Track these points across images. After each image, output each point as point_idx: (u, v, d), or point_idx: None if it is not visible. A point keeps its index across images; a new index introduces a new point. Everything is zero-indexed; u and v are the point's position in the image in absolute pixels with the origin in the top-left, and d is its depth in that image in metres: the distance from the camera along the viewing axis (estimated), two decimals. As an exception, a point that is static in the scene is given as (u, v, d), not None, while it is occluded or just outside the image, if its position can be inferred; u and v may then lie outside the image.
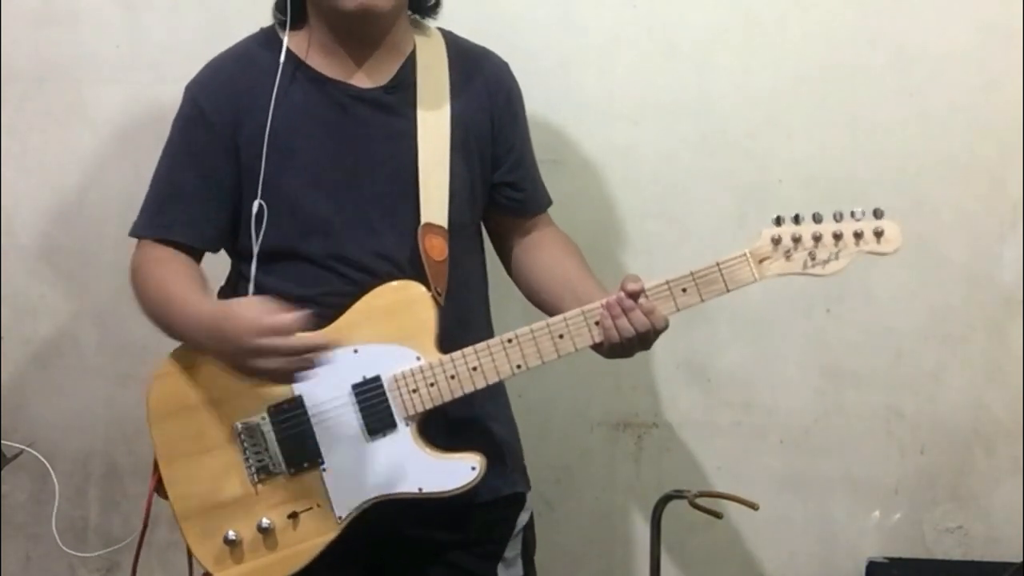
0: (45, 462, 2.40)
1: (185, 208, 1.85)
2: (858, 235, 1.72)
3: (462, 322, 1.84)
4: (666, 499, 2.22)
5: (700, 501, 2.17)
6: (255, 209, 1.81)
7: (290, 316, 1.66)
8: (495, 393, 1.89)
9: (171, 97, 2.42)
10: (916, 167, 2.39)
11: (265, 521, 1.78)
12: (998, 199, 2.41)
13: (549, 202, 2.03)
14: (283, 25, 1.87)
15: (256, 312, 1.68)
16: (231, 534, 1.78)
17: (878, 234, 1.72)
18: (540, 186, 2.02)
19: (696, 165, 2.42)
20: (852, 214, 1.73)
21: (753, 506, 2.19)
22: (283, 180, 1.82)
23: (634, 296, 1.73)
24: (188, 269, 1.85)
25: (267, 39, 1.89)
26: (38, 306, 2.53)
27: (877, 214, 1.73)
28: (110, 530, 2.54)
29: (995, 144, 2.39)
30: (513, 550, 1.94)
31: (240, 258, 1.89)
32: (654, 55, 2.42)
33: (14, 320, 2.53)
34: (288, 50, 1.84)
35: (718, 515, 2.17)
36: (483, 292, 1.97)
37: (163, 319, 1.82)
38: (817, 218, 1.73)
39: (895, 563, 2.41)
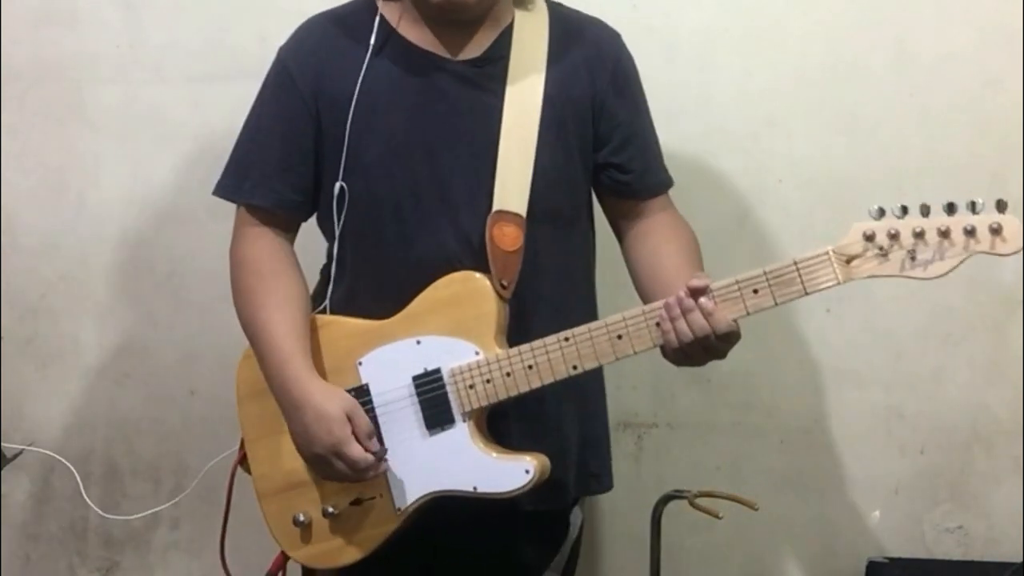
0: (56, 456, 2.40)
1: (267, 173, 1.81)
2: (969, 232, 1.47)
3: (538, 315, 1.76)
4: (666, 499, 2.22)
5: (700, 501, 2.17)
6: (336, 191, 1.78)
7: (369, 458, 1.68)
8: (578, 392, 1.81)
9: (171, 97, 2.44)
10: (916, 167, 2.39)
11: (330, 507, 1.78)
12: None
13: (668, 184, 1.88)
14: None
15: (345, 434, 1.68)
16: (301, 516, 1.78)
17: (995, 231, 1.46)
18: (655, 167, 1.87)
19: (696, 165, 2.42)
20: (972, 206, 1.48)
21: (753, 506, 2.19)
22: (361, 152, 1.77)
23: (696, 294, 1.59)
24: (292, 291, 1.80)
25: (367, 5, 1.82)
26: (38, 306, 2.53)
27: (1000, 207, 1.47)
28: (110, 530, 2.54)
29: (995, 144, 2.39)
30: (555, 570, 1.90)
31: (325, 235, 1.87)
32: (654, 55, 2.42)
33: (14, 320, 2.53)
34: (382, 17, 1.78)
35: (718, 515, 2.17)
36: (579, 282, 1.86)
37: (254, 344, 1.80)
38: (924, 211, 1.49)
39: (895, 563, 2.40)
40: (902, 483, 2.47)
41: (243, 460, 1.86)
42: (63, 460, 2.41)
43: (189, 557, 2.26)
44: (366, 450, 1.69)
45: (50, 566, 2.56)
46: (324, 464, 1.72)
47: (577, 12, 1.87)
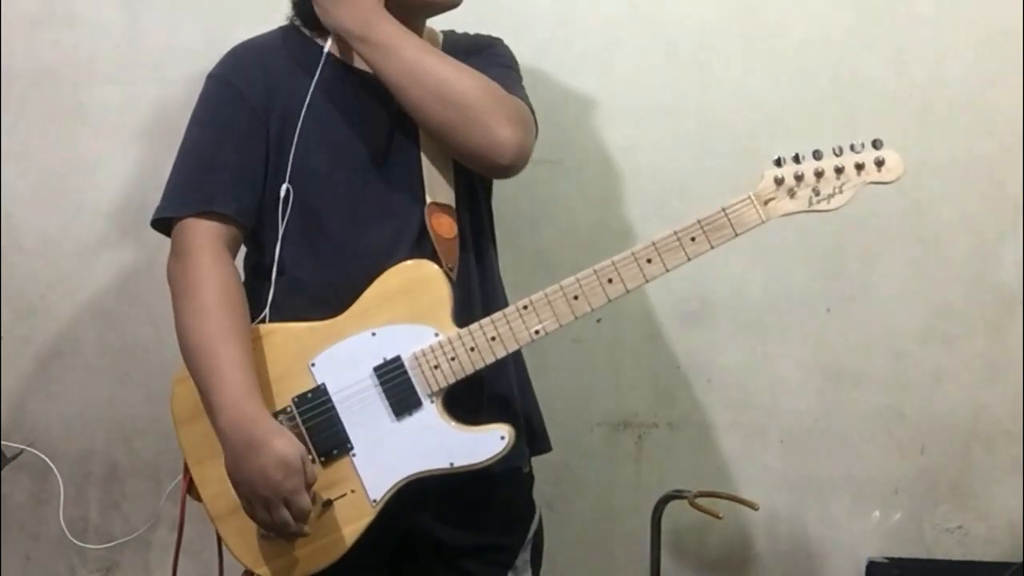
0: (48, 460, 2.40)
1: (227, 180, 1.80)
2: (859, 166, 1.73)
3: (477, 297, 1.86)
4: (666, 499, 2.22)
5: (700, 501, 2.17)
6: (283, 192, 1.80)
7: (311, 509, 1.68)
8: (514, 373, 1.91)
9: (171, 97, 2.43)
10: (916, 167, 2.39)
11: None
12: (998, 199, 2.41)
13: None
14: (304, 23, 1.89)
15: (300, 483, 1.67)
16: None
17: (879, 163, 1.73)
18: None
19: (696, 165, 2.42)
20: (852, 147, 1.73)
21: (753, 506, 2.20)
22: (310, 161, 1.82)
23: None
24: (248, 323, 1.78)
25: (288, 32, 1.91)
26: (38, 306, 2.53)
27: (876, 145, 1.74)
28: (110, 530, 2.53)
29: (995, 144, 2.39)
30: (523, 558, 1.93)
31: (258, 244, 1.87)
32: (654, 55, 2.42)
33: (14, 320, 2.53)
34: (308, 37, 1.87)
35: (718, 515, 2.17)
36: (495, 268, 1.97)
37: (205, 373, 1.74)
38: (817, 155, 1.73)
39: (895, 563, 2.41)
40: (902, 483, 2.47)
41: (191, 487, 1.82)
42: (53, 468, 2.40)
43: (189, 557, 2.25)
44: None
45: (50, 566, 2.56)
46: (264, 507, 1.69)
47: (465, 34, 2.00)
